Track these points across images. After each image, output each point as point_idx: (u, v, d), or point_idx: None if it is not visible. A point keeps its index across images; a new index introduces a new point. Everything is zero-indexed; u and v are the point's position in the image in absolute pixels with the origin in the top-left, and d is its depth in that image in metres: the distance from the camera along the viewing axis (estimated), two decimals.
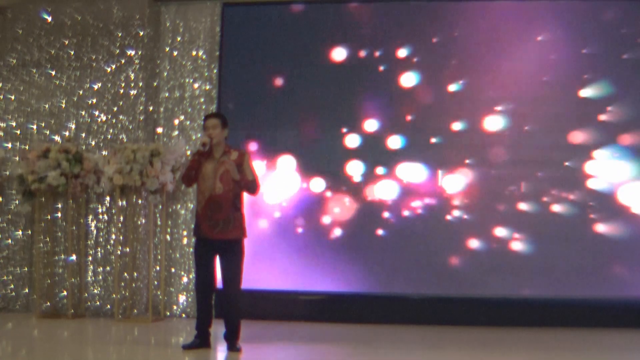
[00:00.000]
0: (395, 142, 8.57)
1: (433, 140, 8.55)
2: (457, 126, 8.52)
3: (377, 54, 8.65)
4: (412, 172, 8.53)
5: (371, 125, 8.62)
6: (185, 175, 6.85)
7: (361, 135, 8.62)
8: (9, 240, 8.82)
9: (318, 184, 8.63)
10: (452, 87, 8.55)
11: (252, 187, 6.84)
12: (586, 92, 8.38)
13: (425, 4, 8.69)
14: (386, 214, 8.55)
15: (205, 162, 6.79)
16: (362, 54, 8.67)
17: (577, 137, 8.41)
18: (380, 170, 8.57)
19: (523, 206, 8.42)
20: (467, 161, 8.50)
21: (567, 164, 8.40)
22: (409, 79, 8.61)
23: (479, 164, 8.50)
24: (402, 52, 8.62)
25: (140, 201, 8.61)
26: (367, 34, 8.69)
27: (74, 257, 8.59)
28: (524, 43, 8.44)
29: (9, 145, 8.86)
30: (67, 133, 8.76)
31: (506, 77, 8.47)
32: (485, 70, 8.52)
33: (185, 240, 8.64)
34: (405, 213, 8.53)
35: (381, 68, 8.64)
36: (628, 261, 8.27)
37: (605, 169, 8.33)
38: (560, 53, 8.41)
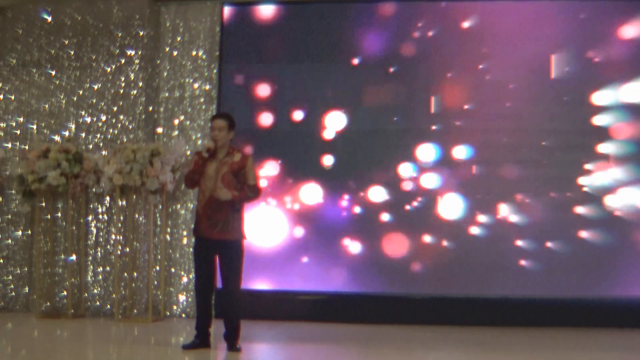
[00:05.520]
0: (395, 139, 8.61)
1: (433, 138, 8.57)
2: (457, 124, 8.54)
3: (379, 54, 8.66)
4: (412, 171, 8.54)
5: (370, 124, 8.64)
6: (188, 178, 6.84)
7: (362, 134, 8.64)
8: (9, 240, 8.82)
9: (318, 186, 8.64)
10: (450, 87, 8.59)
11: (253, 191, 6.82)
12: (592, 94, 8.41)
13: (426, 3, 8.71)
14: (386, 214, 8.55)
15: (208, 162, 6.78)
16: (361, 53, 8.68)
17: (579, 137, 8.42)
18: (378, 170, 8.58)
19: (524, 206, 8.42)
20: (468, 159, 8.50)
21: (568, 164, 8.41)
22: (406, 76, 8.64)
23: (480, 163, 8.50)
24: (405, 50, 8.64)
25: (140, 201, 8.62)
26: (369, 34, 8.69)
27: (74, 257, 8.59)
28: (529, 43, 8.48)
29: (9, 145, 8.86)
30: (67, 133, 8.76)
31: (507, 77, 8.50)
32: (487, 69, 8.55)
33: (185, 240, 8.64)
34: (405, 213, 8.53)
35: (387, 68, 8.66)
36: (628, 261, 8.27)
37: (606, 169, 8.34)
38: (564, 52, 8.45)
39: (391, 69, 8.63)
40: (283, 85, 8.75)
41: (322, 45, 8.73)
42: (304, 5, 8.85)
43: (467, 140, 8.51)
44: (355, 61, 8.68)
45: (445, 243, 8.47)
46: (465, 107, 8.52)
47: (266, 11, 8.83)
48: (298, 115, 8.71)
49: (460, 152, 8.51)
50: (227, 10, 8.83)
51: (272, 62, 8.79)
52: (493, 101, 8.50)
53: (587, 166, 8.36)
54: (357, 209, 8.59)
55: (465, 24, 8.54)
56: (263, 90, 8.75)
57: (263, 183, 8.21)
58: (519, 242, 8.40)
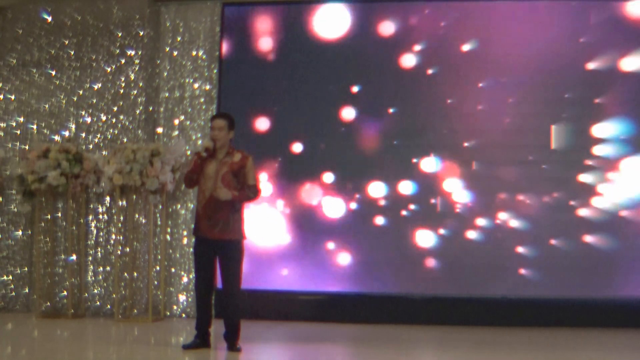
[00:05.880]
0: (394, 139, 8.61)
1: (433, 140, 8.57)
2: (459, 125, 8.53)
3: (379, 54, 8.66)
4: (412, 171, 8.54)
5: (372, 126, 8.64)
6: (187, 178, 6.84)
7: (363, 134, 8.64)
8: (9, 240, 8.82)
9: (318, 185, 8.64)
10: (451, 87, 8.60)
11: (253, 192, 6.82)
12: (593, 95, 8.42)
13: (425, 3, 8.71)
14: (386, 214, 8.55)
15: (208, 161, 6.78)
16: (361, 53, 8.68)
17: (578, 136, 8.42)
18: (378, 169, 8.58)
19: (524, 206, 8.42)
20: (468, 161, 8.50)
21: (567, 164, 8.42)
22: (407, 78, 8.63)
23: (480, 164, 8.50)
24: (406, 59, 8.65)
25: (140, 201, 8.62)
26: (368, 34, 8.69)
27: (74, 257, 8.59)
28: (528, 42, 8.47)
29: (9, 145, 8.86)
30: (67, 133, 8.76)
31: (508, 76, 8.51)
32: (488, 69, 8.55)
33: (185, 240, 8.64)
34: (405, 213, 8.53)
35: (383, 68, 8.65)
36: (628, 261, 8.27)
37: (605, 170, 8.34)
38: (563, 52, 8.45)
39: (394, 73, 8.64)
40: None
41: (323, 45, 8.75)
42: (304, 6, 8.86)
43: (468, 142, 8.52)
44: (356, 60, 8.69)
45: (445, 243, 8.47)
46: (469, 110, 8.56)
47: (266, 11, 8.84)
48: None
49: (461, 153, 8.52)
50: (227, 10, 8.81)
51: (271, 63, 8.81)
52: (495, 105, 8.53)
53: (587, 168, 8.37)
54: (357, 210, 8.59)
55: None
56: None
57: (263, 183, 8.21)
58: (519, 242, 8.39)
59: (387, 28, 8.63)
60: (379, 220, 8.55)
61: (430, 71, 8.56)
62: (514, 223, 8.42)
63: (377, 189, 8.56)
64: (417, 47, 8.58)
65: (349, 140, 8.62)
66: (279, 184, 8.65)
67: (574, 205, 8.35)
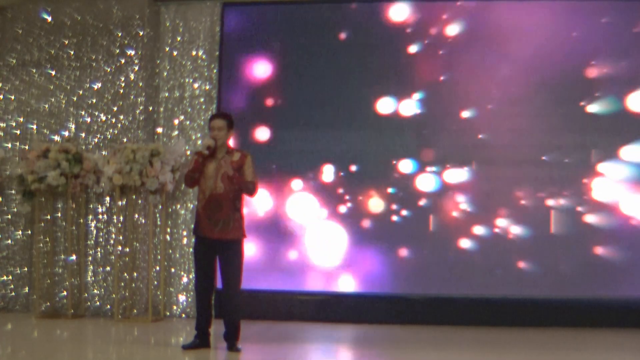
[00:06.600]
0: (393, 141, 8.61)
1: (432, 139, 8.57)
2: (458, 125, 8.54)
3: (376, 52, 8.68)
4: (412, 171, 8.54)
5: (373, 126, 8.65)
6: (188, 177, 6.83)
7: (362, 135, 8.65)
8: (9, 240, 8.82)
9: (320, 185, 8.65)
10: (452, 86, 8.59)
11: (251, 188, 6.83)
12: (591, 94, 8.43)
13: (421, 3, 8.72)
14: (386, 215, 8.55)
15: (208, 161, 6.78)
16: (361, 52, 8.68)
17: (578, 136, 8.42)
18: (378, 170, 8.58)
19: (524, 206, 8.42)
20: (468, 161, 8.50)
21: (568, 164, 8.42)
22: (409, 78, 8.64)
23: (480, 165, 8.50)
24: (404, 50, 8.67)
25: (140, 201, 8.62)
26: (366, 33, 8.69)
27: (73, 257, 8.59)
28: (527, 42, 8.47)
29: (9, 145, 8.86)
30: (67, 133, 8.76)
31: (507, 76, 8.51)
32: (486, 69, 8.55)
33: (185, 240, 8.64)
34: (405, 213, 8.53)
35: (381, 66, 8.67)
36: (628, 261, 8.27)
37: (605, 171, 8.35)
38: (562, 51, 8.45)
39: (391, 72, 8.67)
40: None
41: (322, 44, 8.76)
42: (304, 6, 8.87)
43: (469, 142, 8.53)
44: (356, 59, 8.71)
45: (446, 243, 8.47)
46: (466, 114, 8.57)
47: (266, 11, 8.85)
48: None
49: (462, 154, 8.52)
50: (227, 10, 8.82)
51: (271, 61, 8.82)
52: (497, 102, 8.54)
53: (589, 167, 8.38)
54: (359, 209, 8.59)
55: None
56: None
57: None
58: (520, 243, 8.39)
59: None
60: (379, 220, 8.55)
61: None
62: (515, 222, 8.42)
63: (376, 189, 8.57)
64: (413, 49, 8.59)
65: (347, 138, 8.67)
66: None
67: (574, 204, 8.36)
